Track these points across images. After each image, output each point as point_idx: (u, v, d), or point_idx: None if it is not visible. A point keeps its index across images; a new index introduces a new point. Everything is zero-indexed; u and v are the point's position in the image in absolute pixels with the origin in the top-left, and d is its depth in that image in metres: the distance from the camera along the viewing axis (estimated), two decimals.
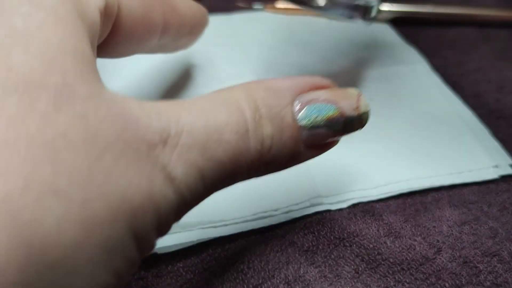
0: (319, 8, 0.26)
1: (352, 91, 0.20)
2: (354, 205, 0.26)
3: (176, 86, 0.32)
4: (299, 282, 0.23)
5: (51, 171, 0.13)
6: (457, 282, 0.23)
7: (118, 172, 0.15)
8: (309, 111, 0.19)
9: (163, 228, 0.16)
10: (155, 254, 0.23)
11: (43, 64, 0.15)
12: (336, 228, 0.25)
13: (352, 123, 0.20)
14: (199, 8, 0.27)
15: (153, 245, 0.16)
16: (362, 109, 0.20)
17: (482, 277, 0.23)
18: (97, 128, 0.15)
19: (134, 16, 0.21)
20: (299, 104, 0.19)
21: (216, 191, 0.18)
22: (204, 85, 0.32)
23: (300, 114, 0.18)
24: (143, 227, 0.15)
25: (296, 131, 0.18)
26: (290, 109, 0.18)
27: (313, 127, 0.19)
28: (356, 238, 0.24)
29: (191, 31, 0.27)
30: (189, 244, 0.23)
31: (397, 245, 0.24)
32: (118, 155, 0.15)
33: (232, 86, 0.19)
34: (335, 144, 0.20)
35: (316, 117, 0.19)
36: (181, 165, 0.16)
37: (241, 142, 0.17)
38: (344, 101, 0.19)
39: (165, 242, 0.23)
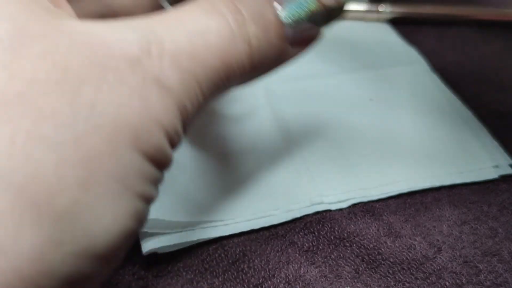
0: None
1: None
2: (354, 205, 0.26)
3: None
4: (299, 282, 0.23)
5: (32, 122, 0.13)
6: (458, 281, 0.23)
7: (102, 100, 0.14)
8: (290, 8, 0.19)
9: (174, 140, 0.16)
10: (156, 254, 0.23)
11: None
12: (336, 228, 0.25)
13: (334, 12, 0.20)
14: None
15: (170, 158, 0.16)
16: None
17: (482, 276, 0.23)
18: (64, 63, 0.14)
19: None
20: (279, 2, 0.18)
21: (212, 99, 0.18)
22: None
23: (281, 11, 0.18)
24: (151, 145, 0.15)
25: (280, 29, 0.18)
26: (271, 8, 0.18)
27: (296, 22, 0.19)
28: (356, 238, 0.24)
29: None
30: (190, 244, 0.23)
31: (397, 245, 0.24)
32: (97, 82, 0.14)
33: None
34: (320, 37, 0.20)
35: (298, 12, 0.19)
36: (174, 73, 0.15)
37: (228, 44, 0.17)
38: None
39: (166, 242, 0.23)
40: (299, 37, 0.19)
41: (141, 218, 0.15)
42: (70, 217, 0.13)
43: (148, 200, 0.15)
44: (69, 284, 0.13)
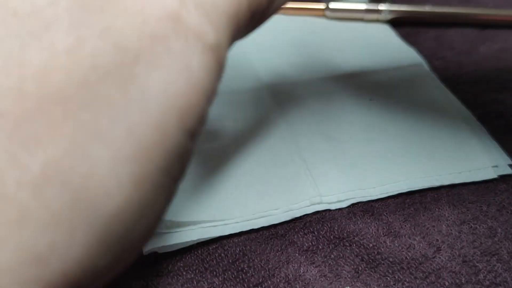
0: None
1: None
2: (354, 205, 0.26)
3: None
4: (299, 281, 0.23)
5: (90, 115, 0.12)
6: (457, 281, 0.23)
7: (152, 80, 0.13)
8: None
9: (212, 100, 0.15)
10: (156, 254, 0.23)
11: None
12: (336, 228, 0.25)
13: None
14: None
15: (206, 121, 0.15)
16: None
17: (482, 276, 0.23)
18: (124, 42, 0.13)
19: None
20: None
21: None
22: None
23: None
24: (195, 119, 0.14)
25: None
26: None
27: None
28: (355, 238, 0.25)
29: None
30: (190, 244, 0.24)
31: (397, 245, 0.24)
32: (148, 59, 0.13)
33: None
34: None
35: None
36: (209, 27, 0.14)
37: None
38: None
39: (166, 242, 0.23)
40: None
41: (172, 199, 0.14)
42: (123, 217, 0.12)
43: (180, 181, 0.14)
44: (105, 277, 0.13)
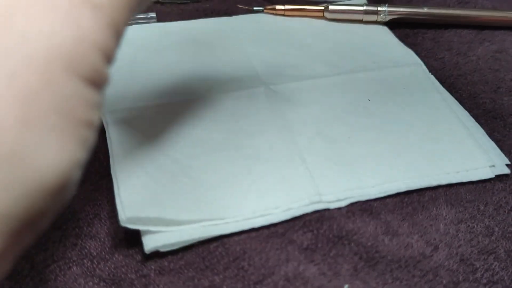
0: None
1: None
2: (353, 204, 0.26)
3: (177, 87, 0.32)
4: (299, 279, 0.23)
5: None
6: (454, 279, 0.23)
7: (34, 28, 0.14)
8: None
9: (109, 57, 0.16)
10: (157, 252, 0.23)
11: None
12: (335, 227, 0.25)
13: None
14: None
15: (107, 76, 0.16)
16: None
17: (479, 274, 0.24)
18: None
19: None
20: None
21: (138, 9, 0.18)
22: (205, 87, 0.32)
23: None
24: (88, 68, 0.15)
25: None
26: None
27: None
28: (354, 236, 0.25)
29: None
30: (191, 242, 0.24)
31: (395, 243, 0.25)
32: (28, 10, 0.14)
33: None
34: None
35: None
36: None
37: None
38: None
39: (167, 240, 0.23)
40: None
41: (87, 145, 0.15)
42: (17, 156, 0.13)
43: (91, 124, 0.15)
44: (26, 222, 0.14)
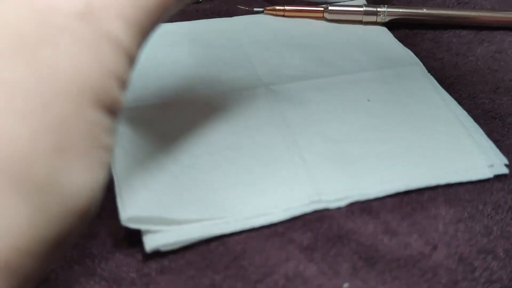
0: None
1: None
2: (352, 204, 0.26)
3: (178, 87, 0.33)
4: (299, 278, 0.23)
5: (1, 97, 0.13)
6: (453, 278, 0.23)
7: (62, 60, 0.15)
8: None
9: (125, 86, 0.17)
10: (158, 251, 0.23)
11: None
12: (335, 226, 0.25)
13: None
14: None
15: (122, 103, 0.17)
16: None
17: (478, 273, 0.24)
18: (18, 30, 0.14)
19: None
20: None
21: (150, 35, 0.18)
22: (205, 87, 0.33)
23: None
24: (108, 98, 0.16)
25: None
26: None
27: None
28: (354, 236, 0.25)
29: None
30: (191, 241, 0.24)
31: (394, 243, 0.25)
32: (53, 42, 0.15)
33: None
34: None
35: None
36: (121, 23, 0.16)
37: None
38: None
39: (168, 240, 0.23)
40: None
41: (108, 167, 0.16)
42: (53, 182, 0.14)
43: (110, 149, 0.16)
44: (58, 245, 0.14)
